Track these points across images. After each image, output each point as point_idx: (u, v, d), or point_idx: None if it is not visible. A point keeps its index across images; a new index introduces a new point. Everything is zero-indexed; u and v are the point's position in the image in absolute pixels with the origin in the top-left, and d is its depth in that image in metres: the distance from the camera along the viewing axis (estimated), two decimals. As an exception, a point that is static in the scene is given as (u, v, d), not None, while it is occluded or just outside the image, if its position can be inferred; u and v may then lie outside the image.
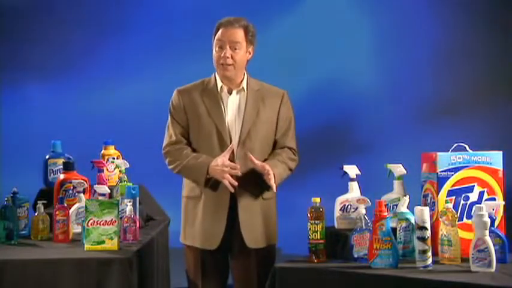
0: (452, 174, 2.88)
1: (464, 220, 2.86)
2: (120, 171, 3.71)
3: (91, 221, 2.96)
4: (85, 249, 2.95)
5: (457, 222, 2.77)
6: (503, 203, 2.87)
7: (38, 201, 3.40)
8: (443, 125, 5.24)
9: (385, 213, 2.74)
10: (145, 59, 5.69)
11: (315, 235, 2.87)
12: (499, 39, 5.30)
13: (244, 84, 3.19)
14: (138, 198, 3.36)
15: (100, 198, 3.16)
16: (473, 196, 2.88)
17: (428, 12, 5.45)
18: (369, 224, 2.83)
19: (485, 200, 2.87)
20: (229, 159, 3.06)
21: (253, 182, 3.11)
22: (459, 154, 2.91)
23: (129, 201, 3.27)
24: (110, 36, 5.71)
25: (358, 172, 3.09)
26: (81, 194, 3.39)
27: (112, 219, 2.96)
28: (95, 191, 3.34)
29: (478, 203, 2.82)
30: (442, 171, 2.88)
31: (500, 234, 2.76)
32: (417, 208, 2.75)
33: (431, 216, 2.83)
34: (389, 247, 2.70)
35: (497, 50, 5.29)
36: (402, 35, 5.48)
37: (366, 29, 5.57)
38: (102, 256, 2.83)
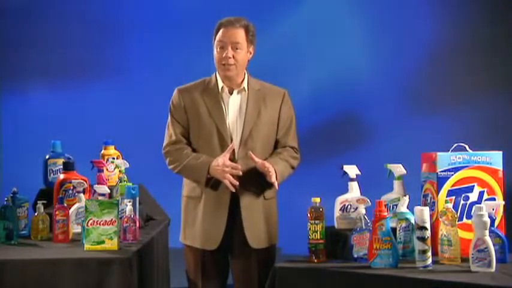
0: (452, 174, 2.88)
1: (464, 220, 2.86)
2: (120, 171, 3.71)
3: (91, 221, 2.96)
4: (85, 249, 2.95)
5: (457, 222, 2.77)
6: (503, 203, 2.87)
7: (38, 201, 3.40)
8: (443, 124, 5.23)
9: (385, 213, 2.74)
10: (146, 59, 5.69)
11: (315, 235, 2.87)
12: (499, 38, 5.29)
13: (245, 84, 3.19)
14: (138, 198, 3.36)
15: (100, 198, 3.16)
16: (473, 196, 2.88)
17: (428, 10, 5.45)
18: (369, 224, 2.83)
19: (485, 200, 2.87)
20: (230, 159, 3.07)
21: (255, 182, 3.11)
22: (459, 154, 2.91)
23: (129, 201, 3.27)
24: (110, 36, 5.71)
25: (358, 172, 3.09)
26: (81, 194, 3.39)
27: (112, 219, 2.96)
28: (94, 191, 3.34)
29: (478, 203, 2.82)
30: (442, 171, 2.88)
31: (500, 234, 2.76)
32: (417, 208, 2.75)
33: (431, 216, 2.83)
34: (389, 247, 2.70)
35: (497, 48, 5.29)
36: (402, 34, 5.47)
37: (365, 27, 5.56)
38: (102, 256, 2.83)
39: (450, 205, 2.80)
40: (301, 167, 3.28)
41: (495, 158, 2.91)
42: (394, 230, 2.81)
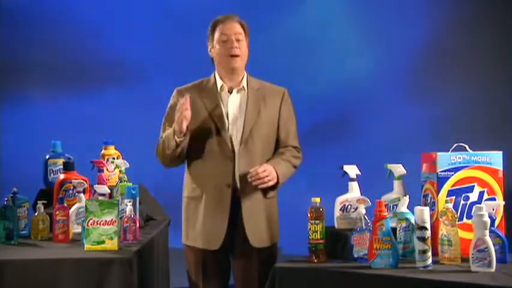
0: (452, 174, 2.88)
1: (464, 220, 2.86)
2: (120, 171, 3.71)
3: (91, 221, 2.95)
4: (85, 249, 2.95)
5: (457, 222, 2.77)
6: (503, 203, 2.87)
7: (38, 201, 3.40)
8: (443, 124, 5.24)
9: (385, 213, 2.74)
10: (146, 59, 5.69)
11: (315, 235, 2.87)
12: (499, 38, 5.29)
13: (244, 83, 3.19)
14: (138, 198, 3.36)
15: (100, 198, 3.16)
16: (473, 196, 2.88)
17: (429, 11, 5.45)
18: (369, 224, 2.83)
19: (485, 200, 2.87)
20: (231, 160, 3.07)
21: None
22: (459, 154, 2.91)
23: (129, 201, 3.27)
24: (111, 36, 5.71)
25: (358, 172, 3.09)
26: (81, 194, 3.39)
27: (112, 219, 2.96)
28: (95, 191, 3.34)
29: (478, 203, 2.82)
30: (442, 171, 2.88)
31: (500, 234, 2.76)
32: (417, 208, 2.75)
33: (431, 216, 2.83)
34: (389, 247, 2.70)
35: (497, 48, 5.29)
36: (402, 34, 5.48)
37: (366, 29, 5.57)
38: (102, 256, 2.83)
39: (450, 205, 2.80)
40: (302, 166, 3.28)
41: (495, 158, 2.91)
42: (394, 230, 2.81)
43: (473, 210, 2.74)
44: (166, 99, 3.27)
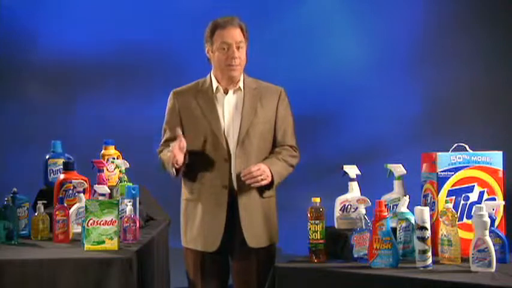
0: (452, 174, 2.88)
1: (464, 220, 2.86)
2: (120, 171, 3.71)
3: (91, 221, 2.95)
4: (85, 249, 2.95)
5: (457, 222, 2.77)
6: (503, 203, 2.87)
7: (38, 201, 3.40)
8: (443, 124, 5.24)
9: (385, 213, 2.74)
10: (146, 59, 5.69)
11: (315, 235, 2.87)
12: (499, 38, 5.29)
13: (240, 83, 3.18)
14: (138, 198, 3.36)
15: (100, 198, 3.16)
16: (473, 196, 2.88)
17: (430, 11, 5.45)
18: (369, 224, 2.83)
19: (485, 200, 2.87)
20: (227, 161, 3.07)
21: None
22: (459, 154, 2.91)
23: (129, 201, 3.27)
24: (111, 36, 5.71)
25: (358, 172, 3.09)
26: (81, 194, 3.39)
27: (112, 219, 2.96)
28: (95, 191, 3.34)
29: (478, 203, 2.82)
30: (442, 171, 2.88)
31: (500, 234, 2.76)
32: (417, 208, 2.75)
33: (431, 216, 2.83)
34: (389, 247, 2.70)
35: (497, 49, 5.29)
36: (401, 34, 5.48)
37: (367, 30, 5.57)
38: (102, 256, 2.83)
39: (450, 205, 2.80)
40: (302, 166, 3.28)
41: (495, 158, 2.91)
42: (394, 230, 2.81)
43: (473, 210, 2.73)
44: (165, 99, 3.26)
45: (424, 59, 5.41)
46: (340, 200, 3.07)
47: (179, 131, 3.03)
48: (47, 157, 3.85)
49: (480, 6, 5.34)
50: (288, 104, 3.25)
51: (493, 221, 2.75)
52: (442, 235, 2.76)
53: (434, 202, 2.90)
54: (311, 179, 4.82)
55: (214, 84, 3.17)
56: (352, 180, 3.09)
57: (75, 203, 3.40)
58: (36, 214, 3.33)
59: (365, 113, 5.46)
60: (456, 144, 2.97)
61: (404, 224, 2.85)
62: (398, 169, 3.07)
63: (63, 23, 5.68)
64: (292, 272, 2.80)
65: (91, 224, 2.95)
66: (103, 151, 3.86)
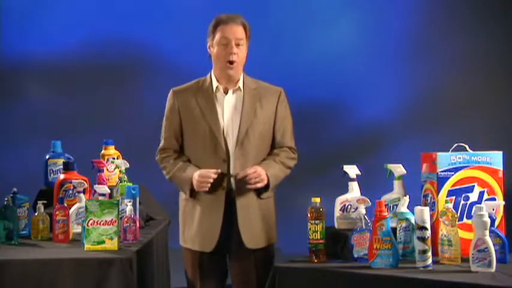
0: (452, 174, 2.88)
1: (464, 220, 2.86)
2: (120, 171, 3.71)
3: (91, 221, 2.95)
4: (85, 249, 2.95)
5: (457, 222, 2.77)
6: (503, 203, 2.87)
7: (38, 201, 3.40)
8: (443, 124, 5.24)
9: (385, 213, 2.74)
10: (146, 58, 5.69)
11: (315, 235, 2.87)
12: (500, 39, 5.30)
13: (240, 83, 3.18)
14: (138, 198, 3.36)
15: (100, 198, 3.16)
16: (473, 196, 2.88)
17: (431, 12, 5.45)
18: (369, 224, 2.83)
19: (485, 200, 2.87)
20: (225, 161, 3.08)
21: None
22: (459, 154, 2.91)
23: (129, 201, 3.27)
24: (111, 36, 5.71)
25: (358, 172, 3.09)
26: (81, 194, 3.39)
27: (112, 219, 2.96)
28: (95, 191, 3.34)
29: (478, 203, 2.81)
30: (442, 171, 2.88)
31: (500, 234, 2.76)
32: (417, 208, 2.75)
33: (431, 216, 2.83)
34: (389, 247, 2.70)
35: (497, 49, 5.29)
36: (401, 34, 5.48)
37: (368, 30, 5.57)
38: (102, 256, 2.83)
39: (450, 205, 2.80)
40: (302, 166, 3.28)
41: (495, 158, 2.91)
42: (394, 230, 2.81)
43: (473, 210, 2.73)
44: (165, 99, 3.26)
45: (426, 58, 5.41)
46: (340, 200, 3.07)
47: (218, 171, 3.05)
48: (47, 157, 3.85)
49: (480, 7, 5.34)
50: (287, 104, 3.24)
51: (493, 221, 2.75)
52: (442, 235, 2.76)
53: (434, 202, 2.90)
54: (309, 170, 4.80)
55: (214, 83, 3.17)
56: (352, 180, 3.09)
57: (75, 203, 3.40)
58: (36, 214, 3.33)
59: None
60: (456, 144, 2.97)
61: (404, 224, 2.85)
62: (398, 169, 3.07)
63: (64, 23, 5.69)
64: (292, 272, 2.80)
65: (91, 224, 2.95)
66: (103, 151, 3.86)
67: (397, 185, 3.07)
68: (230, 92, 3.16)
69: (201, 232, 3.11)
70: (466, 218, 2.86)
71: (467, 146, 2.96)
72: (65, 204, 3.35)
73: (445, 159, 2.89)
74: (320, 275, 2.75)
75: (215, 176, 3.03)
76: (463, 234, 2.80)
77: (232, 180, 3.09)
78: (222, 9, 3.22)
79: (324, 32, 5.52)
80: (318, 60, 5.49)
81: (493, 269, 2.58)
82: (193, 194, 3.12)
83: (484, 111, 5.25)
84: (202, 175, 3.04)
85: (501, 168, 2.91)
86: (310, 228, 2.87)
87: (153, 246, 3.38)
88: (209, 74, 3.21)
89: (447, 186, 2.88)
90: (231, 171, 3.09)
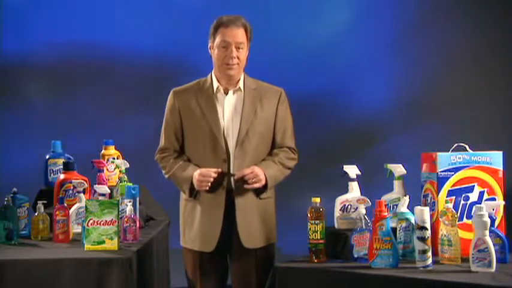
0: (452, 174, 2.88)
1: (464, 220, 2.86)
2: (120, 171, 3.71)
3: (91, 221, 2.95)
4: (85, 249, 2.95)
5: (457, 222, 2.77)
6: (503, 203, 2.87)
7: (38, 201, 3.40)
8: (443, 124, 5.24)
9: (385, 213, 2.75)
10: (146, 58, 5.68)
11: (315, 235, 2.87)
12: (499, 39, 5.29)
13: (240, 84, 3.18)
14: (138, 198, 3.36)
15: (100, 198, 3.16)
16: (473, 196, 2.88)
17: (431, 11, 5.45)
18: (369, 224, 2.84)
19: (485, 200, 2.87)
20: (225, 161, 3.08)
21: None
22: (459, 154, 2.91)
23: (129, 201, 3.27)
24: (111, 35, 5.71)
25: (358, 172, 3.09)
26: (81, 194, 3.39)
27: (112, 219, 2.96)
28: (95, 191, 3.34)
29: (478, 203, 2.82)
30: (442, 171, 2.88)
31: (500, 234, 2.76)
32: (417, 208, 2.75)
33: (431, 216, 2.83)
34: (390, 247, 2.71)
35: (497, 49, 5.29)
36: (401, 34, 5.47)
37: (369, 29, 5.56)
38: (102, 256, 2.83)
39: (450, 205, 2.81)
40: (302, 166, 3.28)
41: (495, 158, 2.91)
42: (394, 230, 2.81)
43: (473, 210, 2.74)
44: (165, 99, 3.26)
45: (426, 57, 5.41)
46: (340, 200, 3.07)
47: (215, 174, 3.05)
48: (47, 157, 3.85)
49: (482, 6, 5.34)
50: (287, 105, 3.25)
51: (493, 221, 2.76)
52: (442, 235, 2.76)
53: (434, 202, 2.90)
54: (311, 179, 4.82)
55: (215, 84, 3.17)
56: (352, 180, 3.09)
57: (75, 203, 3.40)
58: (36, 214, 3.33)
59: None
60: (456, 144, 2.97)
61: (404, 224, 2.85)
62: (398, 169, 3.07)
63: (65, 23, 5.68)
64: (292, 272, 2.80)
65: (91, 224, 2.95)
66: (103, 151, 3.86)
67: (397, 185, 3.07)
68: (230, 92, 3.17)
69: (202, 232, 3.12)
70: (466, 218, 2.86)
71: (467, 146, 2.96)
72: (65, 204, 3.35)
73: (445, 159, 2.89)
74: (320, 275, 2.75)
75: (215, 175, 3.03)
76: (463, 234, 2.80)
77: (232, 180, 3.09)
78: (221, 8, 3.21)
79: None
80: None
81: (493, 269, 2.58)
82: (192, 193, 3.12)
83: (484, 111, 5.25)
84: (202, 174, 3.04)
85: (501, 168, 2.91)
86: (310, 228, 2.88)
87: (153, 246, 3.38)
88: (210, 74, 3.21)
89: (447, 186, 2.88)
90: (231, 172, 3.09)
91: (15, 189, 3.40)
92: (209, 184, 3.03)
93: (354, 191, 3.08)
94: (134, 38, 5.66)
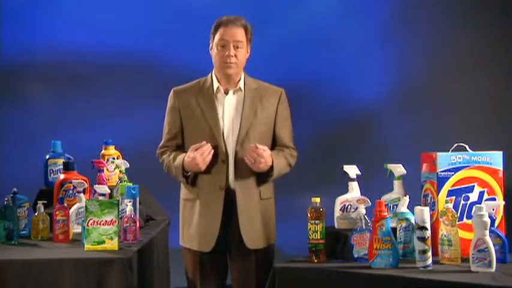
0: (452, 174, 2.88)
1: (464, 220, 2.86)
2: (120, 171, 3.71)
3: (91, 221, 2.95)
4: (85, 249, 2.95)
5: (457, 222, 2.77)
6: (503, 203, 2.87)
7: (38, 201, 3.40)
8: (442, 124, 5.23)
9: (385, 213, 2.75)
10: (146, 58, 5.68)
11: (315, 235, 2.87)
12: (499, 38, 5.29)
13: (241, 84, 3.18)
14: (138, 198, 3.36)
15: (100, 198, 3.16)
16: (473, 196, 2.88)
17: (432, 11, 5.45)
18: (369, 224, 2.84)
19: (485, 200, 2.87)
20: (224, 162, 3.07)
21: (251, 182, 3.11)
22: (459, 154, 2.91)
23: (129, 201, 3.27)
24: (111, 36, 5.70)
25: (358, 172, 3.10)
26: (81, 194, 3.39)
27: (112, 219, 2.96)
28: (95, 191, 3.34)
29: (478, 203, 2.82)
30: (442, 171, 2.88)
31: (500, 234, 2.76)
32: (417, 208, 2.75)
33: (431, 216, 2.83)
34: (390, 247, 2.71)
35: (497, 49, 5.29)
36: (401, 35, 5.47)
37: (370, 28, 5.56)
38: (102, 256, 2.83)
39: (450, 205, 2.81)
40: (302, 167, 3.28)
41: (495, 158, 2.91)
42: (394, 230, 2.81)
43: (473, 210, 2.74)
44: (165, 99, 3.26)
45: (424, 56, 5.41)
46: (340, 200, 3.08)
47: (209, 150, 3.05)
48: (47, 157, 3.85)
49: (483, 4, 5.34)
50: (287, 105, 3.25)
51: (493, 221, 2.75)
52: (442, 235, 2.76)
53: (434, 202, 2.90)
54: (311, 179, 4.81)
55: (215, 84, 3.18)
56: (352, 180, 3.09)
57: (75, 203, 3.40)
58: (36, 214, 3.33)
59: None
60: (456, 144, 2.97)
61: (404, 224, 2.85)
62: (398, 169, 3.07)
63: (65, 24, 5.67)
64: (292, 272, 2.80)
65: (91, 224, 2.95)
66: (103, 151, 3.86)
67: (397, 185, 3.07)
68: (231, 92, 3.17)
69: (200, 232, 3.12)
70: (466, 218, 2.86)
71: (467, 146, 2.96)
72: (65, 204, 3.35)
73: (445, 159, 2.89)
74: (320, 275, 2.75)
75: (209, 145, 3.02)
76: (463, 234, 2.80)
77: (231, 180, 3.09)
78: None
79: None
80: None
81: (493, 269, 2.58)
82: (189, 180, 3.11)
83: (484, 111, 5.25)
84: (194, 148, 3.04)
85: (501, 168, 2.91)
86: (310, 228, 2.88)
87: (153, 246, 3.38)
88: (210, 74, 3.21)
89: (447, 186, 2.88)
90: (230, 172, 3.10)
91: (15, 189, 3.39)
92: (208, 156, 3.02)
93: (354, 191, 3.08)
94: (134, 38, 5.66)
